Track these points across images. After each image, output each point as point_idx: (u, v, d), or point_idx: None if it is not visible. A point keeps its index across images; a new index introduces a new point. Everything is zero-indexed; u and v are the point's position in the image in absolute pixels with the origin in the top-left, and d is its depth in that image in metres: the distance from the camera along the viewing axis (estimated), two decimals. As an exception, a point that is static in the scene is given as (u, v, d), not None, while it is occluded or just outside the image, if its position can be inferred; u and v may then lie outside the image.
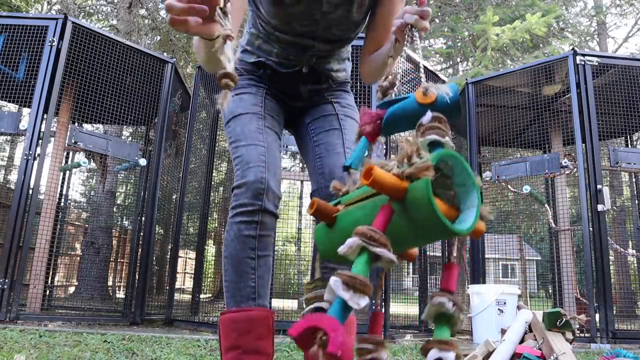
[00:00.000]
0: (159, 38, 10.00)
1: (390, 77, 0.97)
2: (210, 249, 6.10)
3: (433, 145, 0.72)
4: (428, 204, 0.62)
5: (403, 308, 4.16)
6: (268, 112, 1.37)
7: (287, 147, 3.69)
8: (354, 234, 0.63)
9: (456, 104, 0.76)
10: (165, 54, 8.83)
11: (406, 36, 1.04)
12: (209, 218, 4.21)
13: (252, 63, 1.41)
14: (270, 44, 1.37)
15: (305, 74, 1.41)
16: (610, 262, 3.99)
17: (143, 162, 3.88)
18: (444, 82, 4.29)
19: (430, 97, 0.76)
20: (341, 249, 0.64)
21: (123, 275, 5.65)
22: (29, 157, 3.29)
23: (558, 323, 1.88)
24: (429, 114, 0.75)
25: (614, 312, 3.38)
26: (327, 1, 1.29)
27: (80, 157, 3.84)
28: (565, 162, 3.71)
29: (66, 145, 3.73)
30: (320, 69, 1.43)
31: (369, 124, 0.86)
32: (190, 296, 4.14)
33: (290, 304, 5.39)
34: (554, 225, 4.04)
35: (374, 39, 1.39)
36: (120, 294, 5.60)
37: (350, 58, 1.53)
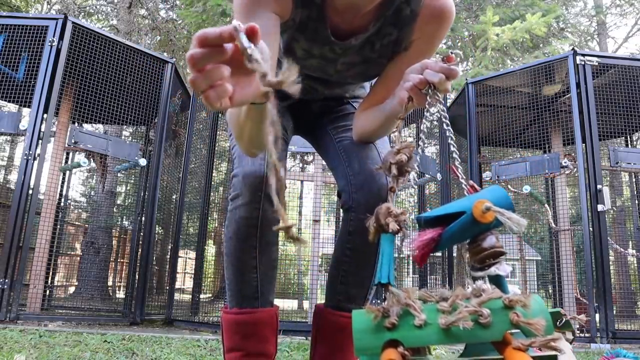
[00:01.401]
0: (159, 38, 10.00)
1: (406, 149, 0.81)
2: (210, 249, 6.10)
3: (496, 277, 0.69)
4: None
5: (403, 308, 4.15)
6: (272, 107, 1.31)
7: (287, 147, 3.69)
8: None
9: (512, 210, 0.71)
10: (165, 54, 8.83)
11: (428, 97, 0.88)
12: (209, 218, 4.21)
13: None
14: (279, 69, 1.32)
15: (318, 97, 1.34)
16: (610, 262, 3.99)
17: (143, 162, 3.88)
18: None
19: (491, 215, 0.70)
20: None
21: (123, 275, 5.64)
22: (29, 157, 3.29)
23: (558, 323, 1.87)
24: (492, 239, 0.71)
25: (614, 312, 3.38)
26: (343, 62, 1.19)
27: (80, 157, 3.84)
28: (565, 162, 3.71)
29: (66, 145, 3.73)
30: (334, 95, 1.36)
31: (424, 250, 0.75)
32: (190, 296, 4.14)
33: (290, 304, 5.39)
34: (554, 225, 4.04)
35: (374, 96, 1.20)
36: (120, 294, 5.60)
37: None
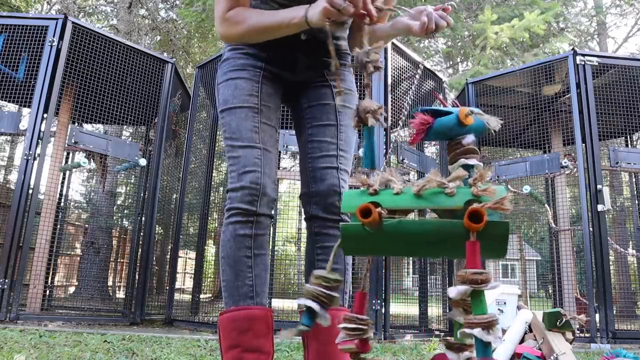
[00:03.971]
0: (159, 38, 10.01)
1: (376, 50, 1.00)
2: (210, 249, 6.10)
3: (467, 166, 0.85)
4: (504, 240, 0.72)
5: (403, 308, 4.16)
6: (264, 103, 1.33)
7: (287, 147, 3.69)
8: (461, 280, 0.71)
9: (483, 131, 0.91)
10: (165, 54, 8.83)
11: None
12: (209, 218, 4.21)
13: None
14: (269, 4, 1.32)
15: (304, 41, 1.33)
16: (610, 262, 3.99)
17: (143, 162, 3.88)
18: (442, 80, 4.30)
19: (471, 120, 0.87)
20: (453, 294, 0.71)
21: (123, 275, 5.64)
22: (29, 157, 3.29)
23: (558, 323, 1.87)
24: (470, 137, 0.88)
25: (614, 312, 3.38)
26: None
27: (80, 157, 3.84)
28: (565, 162, 3.71)
29: (66, 145, 3.73)
30: (320, 35, 1.35)
31: (420, 128, 0.89)
32: (190, 296, 4.14)
33: (290, 304, 5.38)
34: (554, 225, 4.04)
35: None
36: (120, 294, 5.60)
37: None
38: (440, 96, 1.01)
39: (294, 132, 3.78)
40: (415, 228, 0.74)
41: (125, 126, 6.34)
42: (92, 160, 4.13)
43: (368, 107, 0.92)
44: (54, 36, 3.47)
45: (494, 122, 0.88)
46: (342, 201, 0.79)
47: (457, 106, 0.94)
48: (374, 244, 0.76)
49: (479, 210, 0.69)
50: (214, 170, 4.26)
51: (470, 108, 0.88)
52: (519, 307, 2.25)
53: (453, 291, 0.71)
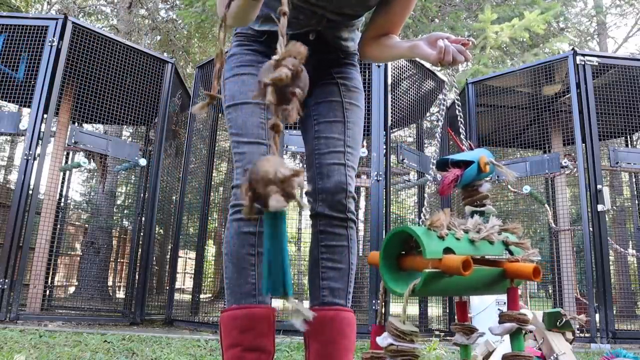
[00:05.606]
0: (159, 38, 10.00)
1: (290, 59, 1.06)
2: (210, 249, 6.10)
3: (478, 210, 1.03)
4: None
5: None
6: None
7: (286, 147, 3.69)
8: (506, 319, 0.86)
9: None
10: (165, 54, 8.83)
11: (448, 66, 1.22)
12: (209, 218, 4.21)
13: (256, 30, 1.34)
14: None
15: (312, 41, 1.33)
16: (610, 262, 3.99)
17: (143, 162, 3.88)
18: (443, 81, 4.30)
19: (488, 169, 1.03)
20: (496, 331, 0.86)
21: (123, 275, 5.64)
22: (29, 157, 3.29)
23: (558, 323, 1.87)
24: (487, 185, 1.04)
25: (614, 312, 3.38)
26: None
27: (80, 157, 3.84)
28: (565, 162, 3.71)
29: (66, 145, 3.73)
30: (329, 36, 1.36)
31: (451, 183, 1.03)
32: (190, 296, 4.14)
33: (290, 304, 5.37)
34: (554, 225, 4.04)
35: (384, 24, 1.39)
36: (120, 294, 5.60)
37: (360, 28, 1.47)
38: (458, 139, 1.11)
39: (293, 131, 3.79)
40: (477, 275, 0.84)
41: (125, 126, 6.35)
42: (92, 160, 4.12)
43: (269, 175, 0.46)
44: (54, 36, 3.47)
45: (510, 176, 1.02)
46: (423, 246, 0.80)
47: (472, 148, 1.08)
48: (444, 287, 0.84)
49: (537, 268, 0.83)
50: (214, 170, 4.26)
51: (489, 157, 1.03)
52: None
53: (499, 329, 0.84)
